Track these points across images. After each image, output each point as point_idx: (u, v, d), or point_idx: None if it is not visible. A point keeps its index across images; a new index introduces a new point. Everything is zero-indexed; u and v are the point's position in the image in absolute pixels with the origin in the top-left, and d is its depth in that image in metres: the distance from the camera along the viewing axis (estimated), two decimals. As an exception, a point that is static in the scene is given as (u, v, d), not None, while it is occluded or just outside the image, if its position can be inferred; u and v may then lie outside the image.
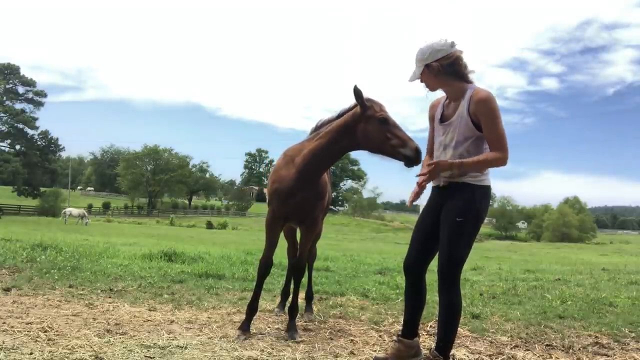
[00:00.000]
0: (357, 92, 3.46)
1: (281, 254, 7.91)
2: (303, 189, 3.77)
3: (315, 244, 5.00)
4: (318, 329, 4.20)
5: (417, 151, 3.31)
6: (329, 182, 4.69)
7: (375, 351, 3.57)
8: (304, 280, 4.55)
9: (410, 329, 3.30)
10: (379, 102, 3.53)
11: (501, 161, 3.02)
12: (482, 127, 3.02)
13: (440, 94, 3.31)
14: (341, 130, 3.60)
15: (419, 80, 3.22)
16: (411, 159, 3.33)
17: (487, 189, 3.14)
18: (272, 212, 3.97)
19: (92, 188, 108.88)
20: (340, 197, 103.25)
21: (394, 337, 3.44)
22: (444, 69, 3.08)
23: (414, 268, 3.29)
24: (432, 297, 5.90)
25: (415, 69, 3.19)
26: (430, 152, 3.39)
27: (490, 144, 3.04)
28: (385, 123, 3.43)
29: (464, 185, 3.09)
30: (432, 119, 3.35)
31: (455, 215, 3.07)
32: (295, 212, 3.90)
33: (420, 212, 3.43)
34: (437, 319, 4.65)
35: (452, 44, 3.11)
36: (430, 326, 4.34)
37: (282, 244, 5.44)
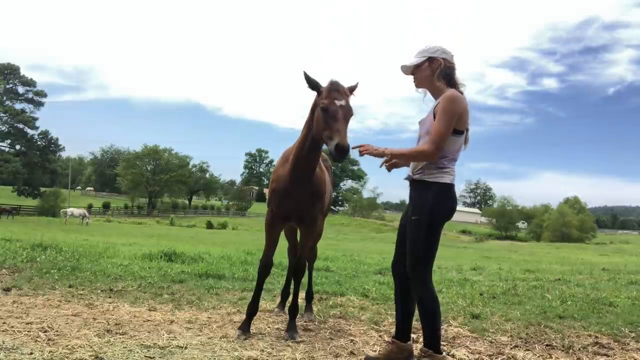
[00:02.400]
0: (305, 77, 3.48)
1: (281, 254, 7.90)
2: (299, 186, 3.75)
3: (315, 244, 4.99)
4: (318, 329, 4.20)
5: (337, 148, 3.13)
6: (330, 182, 4.68)
7: (375, 351, 3.57)
8: (304, 280, 4.54)
9: (403, 333, 3.30)
10: (331, 87, 3.39)
11: (426, 154, 3.02)
12: None
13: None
14: (309, 117, 3.59)
15: (411, 72, 3.27)
16: (332, 155, 3.21)
17: (444, 186, 3.08)
18: (271, 212, 3.97)
19: (91, 188, 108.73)
20: (340, 197, 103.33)
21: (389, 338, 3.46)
22: (444, 69, 3.16)
23: (397, 270, 3.33)
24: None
25: (412, 59, 3.24)
26: None
27: (429, 135, 3.05)
28: (325, 112, 3.31)
29: (421, 182, 3.12)
30: None
31: (411, 214, 3.12)
32: (293, 212, 3.89)
33: None
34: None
35: (453, 56, 3.24)
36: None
37: (283, 244, 5.44)
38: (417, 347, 3.30)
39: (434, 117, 3.08)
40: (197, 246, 14.54)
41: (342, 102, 3.34)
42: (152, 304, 4.79)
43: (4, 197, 60.56)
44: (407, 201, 3.32)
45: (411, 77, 3.32)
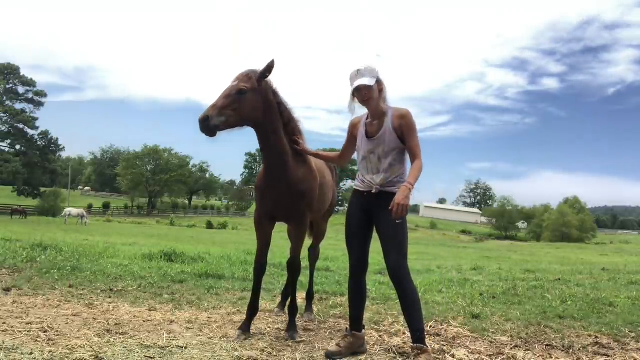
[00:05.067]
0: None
1: (281, 255, 7.87)
2: (274, 183, 3.76)
3: (318, 245, 4.96)
4: (318, 329, 4.20)
5: (198, 120, 3.33)
6: (334, 183, 4.67)
7: (375, 351, 3.58)
8: (305, 280, 4.53)
9: (359, 324, 3.59)
10: (241, 74, 3.55)
11: (422, 167, 3.39)
12: (405, 139, 3.38)
13: (360, 112, 3.59)
14: None
15: (359, 89, 3.41)
16: None
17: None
18: (257, 211, 3.99)
19: (89, 188, 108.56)
20: (340, 197, 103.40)
21: (346, 332, 3.64)
22: (383, 86, 3.47)
23: (357, 270, 3.74)
24: (432, 296, 5.91)
25: (365, 79, 3.39)
26: (341, 155, 3.84)
27: (412, 152, 3.39)
28: None
29: (392, 194, 3.35)
30: (351, 133, 3.68)
31: (396, 218, 3.34)
32: (276, 209, 3.88)
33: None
34: (436, 319, 4.66)
35: None
36: (430, 326, 4.33)
37: (284, 244, 5.43)
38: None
39: (396, 134, 3.37)
40: (197, 246, 14.56)
41: (233, 83, 3.49)
42: (152, 304, 4.79)
43: (4, 197, 60.58)
44: (367, 209, 3.49)
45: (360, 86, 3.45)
